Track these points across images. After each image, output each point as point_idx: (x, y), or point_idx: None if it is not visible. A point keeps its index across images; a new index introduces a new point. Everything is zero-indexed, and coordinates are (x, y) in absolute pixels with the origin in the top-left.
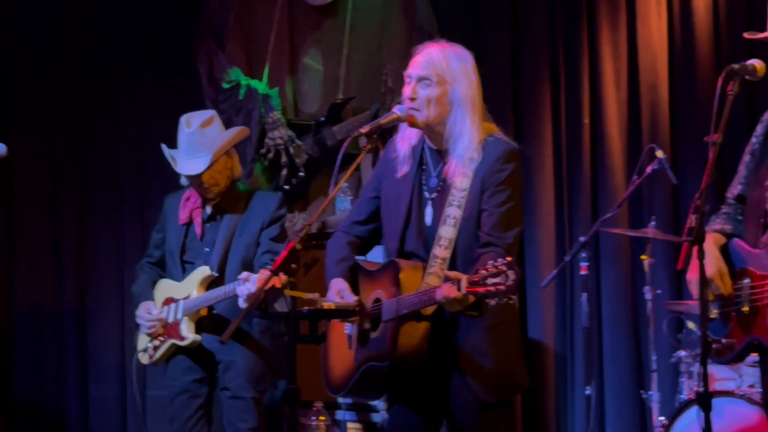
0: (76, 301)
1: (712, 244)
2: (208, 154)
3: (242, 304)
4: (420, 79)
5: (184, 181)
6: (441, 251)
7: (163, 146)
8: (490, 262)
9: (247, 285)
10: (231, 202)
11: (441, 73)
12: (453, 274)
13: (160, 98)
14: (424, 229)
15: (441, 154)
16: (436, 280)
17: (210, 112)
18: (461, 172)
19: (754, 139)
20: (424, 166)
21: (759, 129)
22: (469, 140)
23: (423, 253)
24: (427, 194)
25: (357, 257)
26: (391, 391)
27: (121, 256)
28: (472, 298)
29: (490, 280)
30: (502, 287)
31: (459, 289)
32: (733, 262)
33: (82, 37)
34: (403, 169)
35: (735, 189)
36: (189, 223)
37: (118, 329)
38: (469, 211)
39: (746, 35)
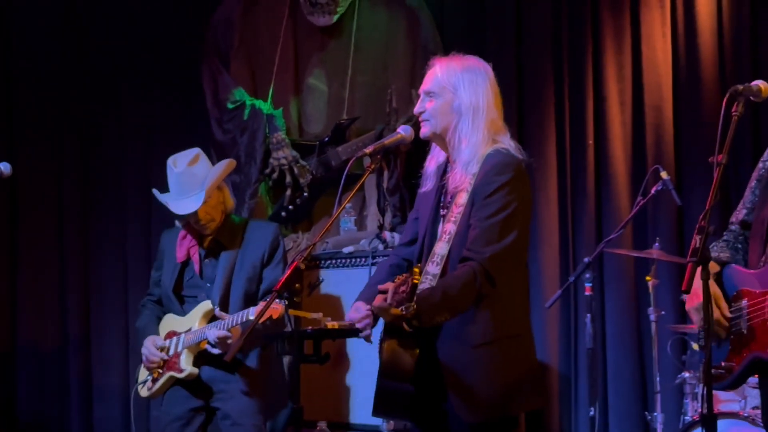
0: (80, 323)
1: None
2: (201, 191)
3: (212, 349)
4: (426, 94)
5: (179, 222)
6: (433, 267)
7: (155, 191)
8: (404, 273)
9: (215, 331)
10: (227, 236)
11: (443, 84)
12: (386, 285)
13: (163, 103)
14: (434, 245)
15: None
16: None
17: (195, 150)
18: (463, 188)
19: (761, 164)
20: (444, 184)
21: (766, 155)
22: (473, 147)
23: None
24: (442, 211)
25: None
26: (406, 412)
27: (125, 277)
28: (395, 310)
29: (401, 288)
30: (404, 294)
31: (386, 300)
32: (726, 289)
33: (85, 39)
34: (427, 185)
35: (740, 214)
36: (186, 261)
37: (122, 350)
38: (462, 227)
39: None
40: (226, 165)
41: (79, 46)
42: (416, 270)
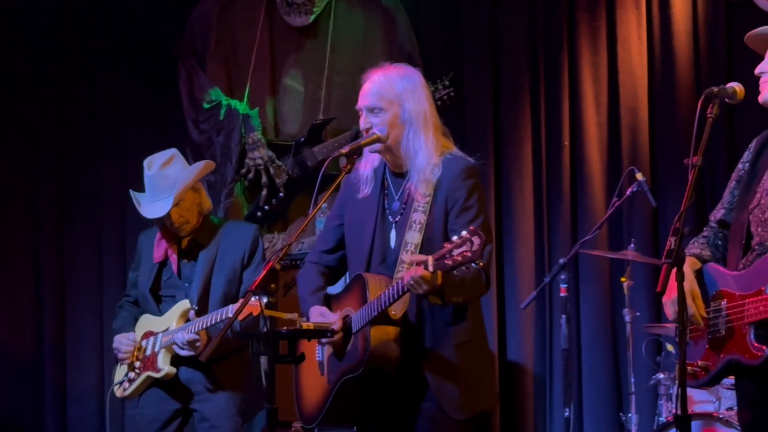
0: (55, 323)
1: (687, 266)
2: (170, 196)
3: (181, 351)
4: (370, 110)
5: (156, 224)
6: (408, 256)
7: (131, 191)
8: (454, 237)
9: (183, 334)
10: (206, 236)
11: (388, 98)
12: (419, 257)
13: (140, 101)
14: (388, 252)
15: (402, 177)
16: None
17: (171, 151)
18: (423, 184)
19: (740, 165)
20: (386, 191)
21: (746, 155)
22: (427, 155)
23: (388, 276)
24: (390, 218)
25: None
26: (362, 415)
27: (100, 277)
28: (439, 279)
29: (456, 251)
30: (468, 254)
31: (426, 268)
32: (706, 287)
33: (64, 35)
34: (365, 190)
35: (718, 213)
36: (164, 262)
37: (97, 350)
38: (435, 219)
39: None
40: (201, 168)
41: (59, 42)
42: (472, 228)
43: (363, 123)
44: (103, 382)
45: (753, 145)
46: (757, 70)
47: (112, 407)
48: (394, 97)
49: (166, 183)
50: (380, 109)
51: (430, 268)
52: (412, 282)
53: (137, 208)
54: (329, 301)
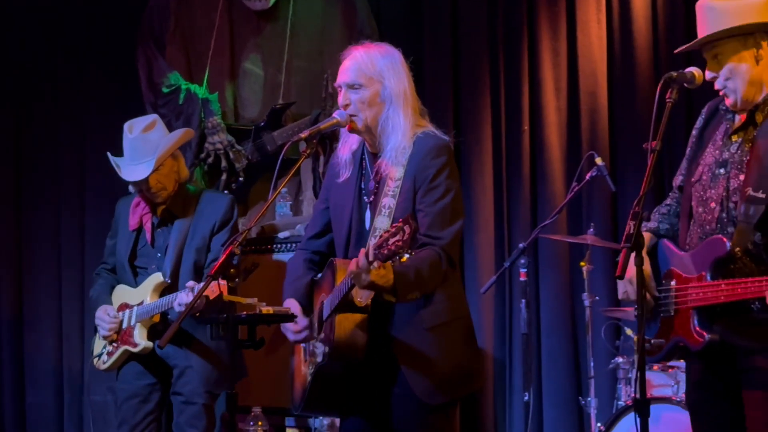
0: (12, 308)
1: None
2: (152, 159)
3: (178, 307)
4: (350, 86)
5: (132, 188)
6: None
7: (109, 154)
8: (393, 224)
9: (182, 297)
10: (180, 205)
11: (369, 75)
12: (363, 251)
13: (98, 84)
14: (364, 234)
15: (378, 158)
16: None
17: (152, 116)
18: (394, 164)
19: (694, 132)
20: (363, 172)
21: (698, 121)
22: (402, 134)
23: None
24: (365, 199)
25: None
26: (341, 401)
27: (58, 262)
28: (381, 269)
29: (391, 240)
30: (400, 242)
31: (367, 257)
32: (659, 264)
33: (19, 15)
34: (344, 174)
35: (677, 179)
36: (139, 229)
37: (56, 335)
38: (404, 201)
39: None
40: (182, 134)
41: (19, 27)
42: (410, 218)
43: (342, 99)
44: (61, 368)
45: (704, 111)
46: (707, 76)
47: (71, 393)
48: (374, 74)
49: (147, 147)
50: (360, 85)
51: (370, 257)
52: (353, 275)
53: (117, 171)
54: (313, 288)
